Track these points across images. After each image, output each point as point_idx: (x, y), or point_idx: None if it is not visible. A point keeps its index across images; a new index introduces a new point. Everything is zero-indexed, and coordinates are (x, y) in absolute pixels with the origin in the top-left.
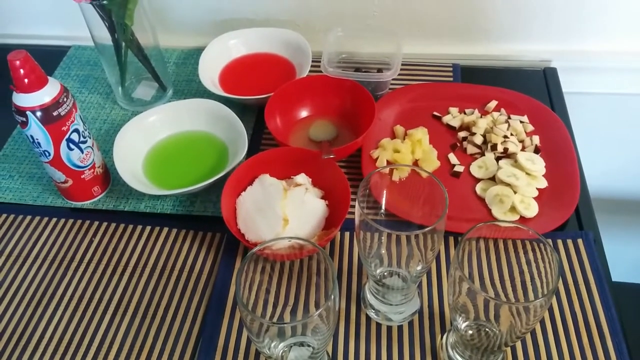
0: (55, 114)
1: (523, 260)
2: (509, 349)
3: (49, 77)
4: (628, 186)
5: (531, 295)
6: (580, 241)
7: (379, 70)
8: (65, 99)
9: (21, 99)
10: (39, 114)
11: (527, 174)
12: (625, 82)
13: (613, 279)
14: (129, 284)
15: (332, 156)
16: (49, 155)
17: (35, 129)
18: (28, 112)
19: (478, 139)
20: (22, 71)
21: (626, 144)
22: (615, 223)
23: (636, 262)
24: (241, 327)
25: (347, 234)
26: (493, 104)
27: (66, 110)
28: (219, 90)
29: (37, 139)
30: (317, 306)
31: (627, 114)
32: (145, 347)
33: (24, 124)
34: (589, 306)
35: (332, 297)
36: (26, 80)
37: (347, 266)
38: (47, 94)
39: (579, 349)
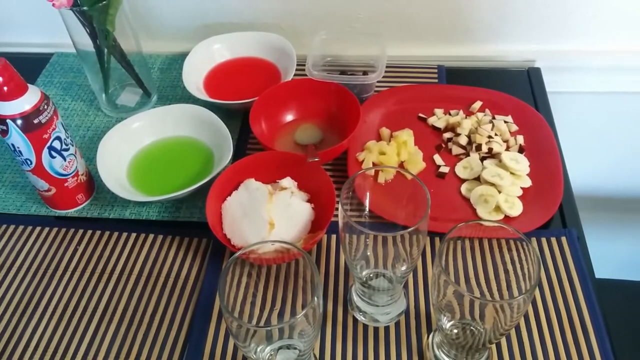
0: (35, 121)
1: (507, 258)
2: (494, 347)
3: (28, 85)
4: (611, 184)
5: (515, 293)
6: (564, 239)
7: (364, 73)
8: (45, 106)
9: (1, 107)
10: (19, 122)
11: (511, 173)
12: (608, 81)
13: (596, 276)
14: (115, 292)
15: (317, 159)
16: (31, 163)
17: (16, 138)
18: (8, 121)
19: (463, 140)
20: (0, 79)
21: (609, 143)
22: (599, 221)
23: (619, 259)
24: (228, 333)
25: (333, 236)
26: (478, 104)
27: (47, 118)
28: (203, 96)
29: (18, 148)
30: (304, 309)
31: (610, 112)
32: (131, 355)
33: (5, 132)
34: (572, 302)
35: (315, 298)
36: (5, 88)
37: (334, 268)
38: (27, 101)
39: (563, 345)
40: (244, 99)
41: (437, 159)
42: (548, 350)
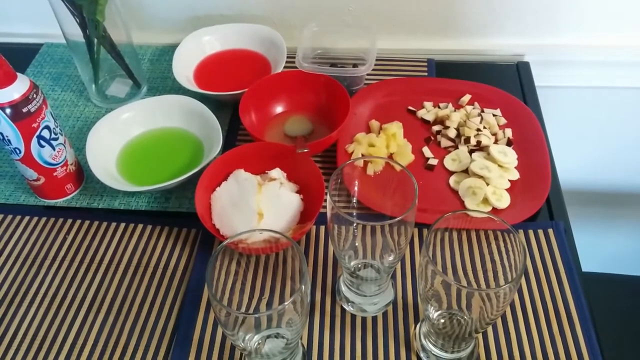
0: (24, 110)
1: (494, 248)
2: (481, 337)
3: (17, 74)
4: (599, 178)
5: (502, 283)
6: (550, 231)
7: (355, 66)
8: (34, 96)
9: None
10: (8, 110)
11: (499, 166)
12: (597, 75)
13: (584, 270)
14: (104, 281)
15: (306, 150)
16: (20, 152)
17: (5, 126)
18: None
19: (452, 133)
20: None
21: (597, 137)
22: (586, 215)
23: (606, 253)
24: (217, 322)
25: (322, 227)
26: (467, 97)
27: (36, 107)
28: (193, 87)
29: (7, 136)
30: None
31: (597, 106)
32: (120, 343)
33: None
34: (558, 294)
35: (302, 286)
36: None
37: (322, 259)
38: (16, 90)
39: (549, 336)
40: (234, 91)
41: (426, 151)
42: (534, 340)
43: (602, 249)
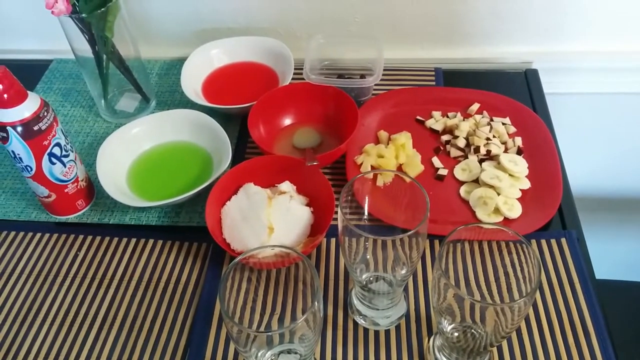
0: (36, 128)
1: (507, 261)
2: (495, 349)
3: (28, 92)
4: (610, 185)
5: (516, 296)
6: (563, 240)
7: (362, 76)
8: (45, 113)
9: (1, 115)
10: (19, 129)
11: (510, 175)
12: (606, 82)
13: (597, 277)
14: (115, 297)
15: (315, 163)
16: (31, 170)
17: (16, 144)
18: (8, 128)
19: (461, 142)
20: (0, 86)
21: (607, 143)
22: (599, 221)
23: (619, 259)
24: (229, 337)
25: (333, 240)
26: (475, 106)
27: (47, 125)
28: (202, 101)
29: (18, 154)
30: (304, 313)
31: (607, 113)
32: None
33: (5, 139)
34: (573, 304)
35: (315, 303)
36: (5, 96)
37: (334, 272)
38: (27, 108)
39: (564, 347)
40: (242, 104)
41: (436, 161)
42: (549, 352)
43: (614, 255)
